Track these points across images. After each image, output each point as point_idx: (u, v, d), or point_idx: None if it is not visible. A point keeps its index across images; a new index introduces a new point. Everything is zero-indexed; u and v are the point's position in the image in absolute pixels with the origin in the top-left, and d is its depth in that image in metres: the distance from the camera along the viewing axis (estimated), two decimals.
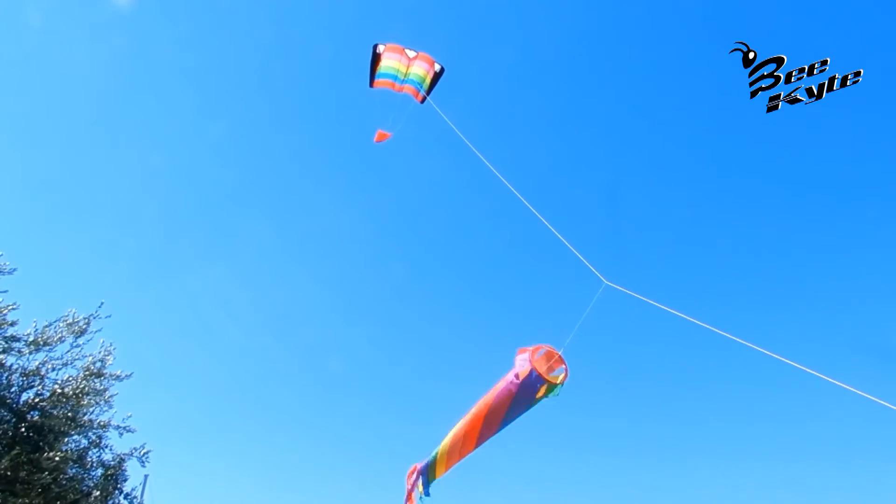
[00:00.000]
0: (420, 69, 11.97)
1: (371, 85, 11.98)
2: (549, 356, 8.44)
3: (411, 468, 9.14)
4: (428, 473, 8.85)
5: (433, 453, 8.87)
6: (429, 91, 12.01)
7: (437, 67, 11.98)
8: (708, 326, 8.06)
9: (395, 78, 12.00)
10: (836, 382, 6.74)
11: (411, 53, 11.93)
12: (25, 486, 15.66)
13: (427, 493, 8.92)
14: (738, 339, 7.77)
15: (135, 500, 18.56)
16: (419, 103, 12.14)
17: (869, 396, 6.25)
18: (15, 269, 16.84)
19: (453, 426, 8.88)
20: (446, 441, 8.79)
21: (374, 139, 12.27)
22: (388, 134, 12.26)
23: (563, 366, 8.44)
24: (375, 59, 11.80)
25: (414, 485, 9.03)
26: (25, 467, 15.56)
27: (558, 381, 8.37)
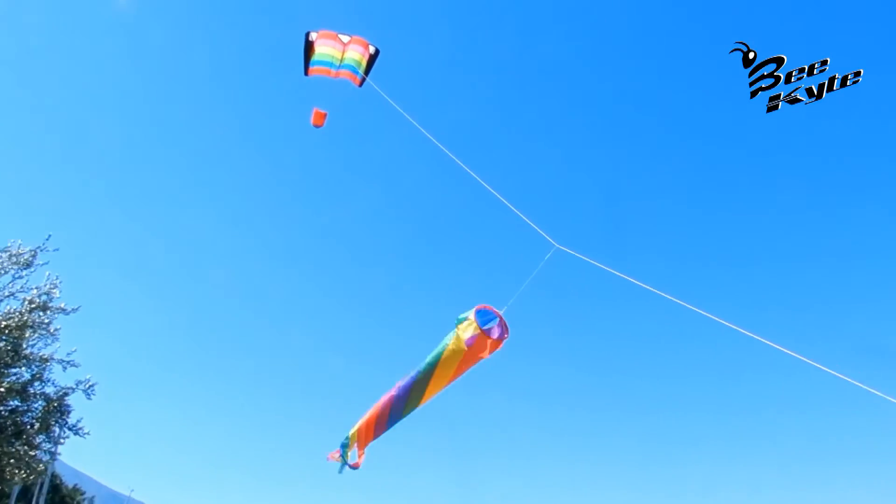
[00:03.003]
0: (355, 53, 11.79)
1: (306, 73, 11.77)
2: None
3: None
4: (344, 452, 9.12)
5: (346, 435, 9.14)
6: (366, 73, 11.91)
7: (372, 49, 11.87)
8: (655, 290, 8.21)
9: (330, 65, 11.81)
10: (791, 352, 7.07)
11: (345, 38, 11.72)
12: None
13: (344, 462, 9.10)
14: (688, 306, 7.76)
15: (80, 432, 18.12)
16: (357, 87, 12.03)
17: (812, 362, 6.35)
18: None
19: (366, 410, 9.22)
20: (357, 425, 9.11)
21: (312, 121, 12.17)
22: (325, 113, 12.15)
23: (503, 324, 8.58)
24: (309, 46, 11.55)
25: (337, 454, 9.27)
26: None
27: (498, 337, 8.52)
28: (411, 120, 10.91)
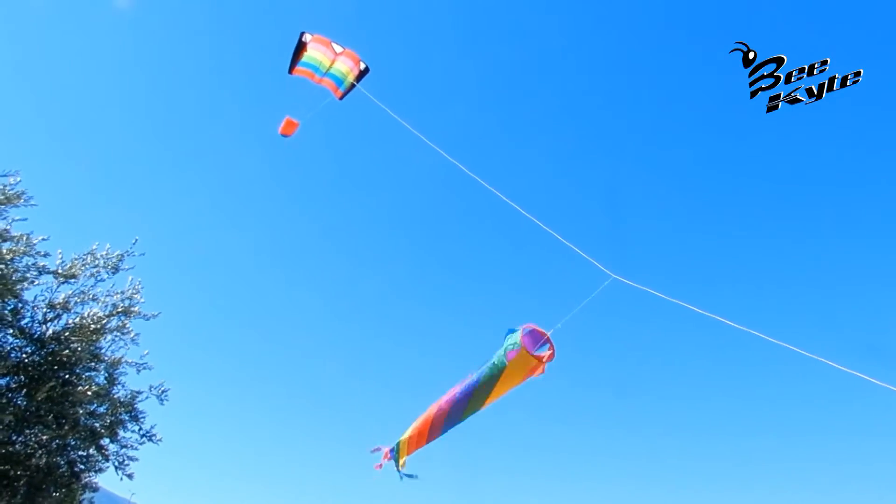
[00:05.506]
0: (344, 66, 11.55)
1: (290, 72, 11.52)
2: (534, 336, 8.56)
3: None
4: (395, 458, 9.06)
5: (397, 441, 9.10)
6: (349, 89, 11.68)
7: (363, 66, 11.59)
8: (713, 315, 7.96)
9: (316, 70, 11.54)
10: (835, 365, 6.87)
11: (338, 48, 11.49)
12: (57, 420, 15.76)
13: (400, 473, 9.05)
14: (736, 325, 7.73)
15: (154, 438, 17.83)
16: (338, 100, 11.83)
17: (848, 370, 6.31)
18: (31, 197, 16.40)
19: (418, 416, 9.19)
20: (408, 430, 9.11)
21: (280, 130, 11.76)
22: (297, 123, 11.83)
23: (549, 344, 8.55)
24: (300, 47, 11.35)
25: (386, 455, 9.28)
26: (59, 401, 15.59)
27: (543, 359, 8.55)
28: (462, 167, 10.35)
